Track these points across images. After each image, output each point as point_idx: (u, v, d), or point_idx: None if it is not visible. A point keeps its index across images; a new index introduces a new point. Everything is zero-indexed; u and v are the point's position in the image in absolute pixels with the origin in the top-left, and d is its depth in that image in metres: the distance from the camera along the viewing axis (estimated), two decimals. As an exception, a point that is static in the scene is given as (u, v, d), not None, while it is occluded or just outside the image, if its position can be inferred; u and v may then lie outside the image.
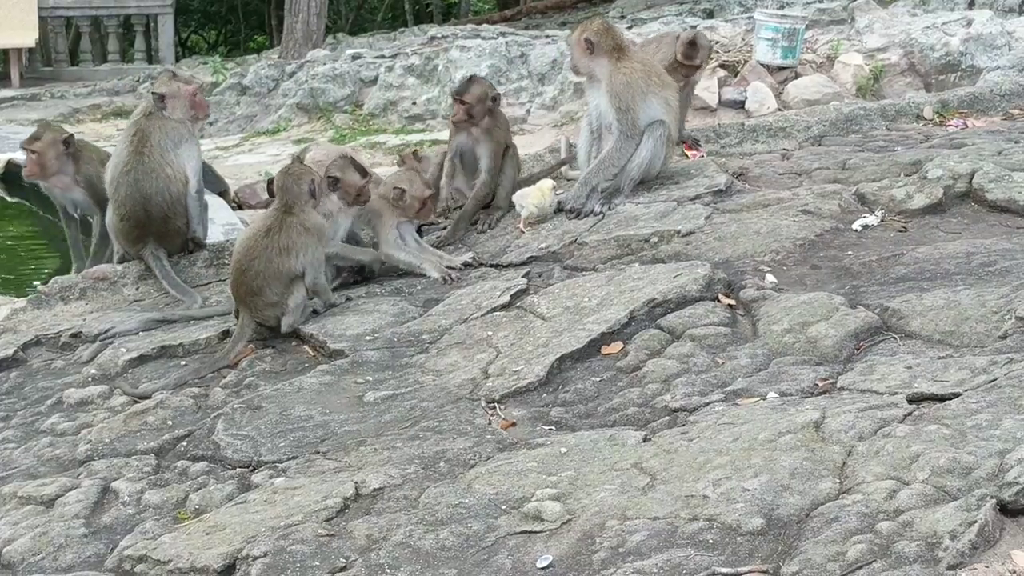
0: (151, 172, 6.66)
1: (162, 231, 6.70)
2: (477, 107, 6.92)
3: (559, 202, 6.65)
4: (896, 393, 4.00)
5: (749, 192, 6.67)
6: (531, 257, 6.16)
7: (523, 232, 6.55)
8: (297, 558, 3.55)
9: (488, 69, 15.10)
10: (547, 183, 6.83)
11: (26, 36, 19.91)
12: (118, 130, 16.85)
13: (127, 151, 6.66)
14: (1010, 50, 11.75)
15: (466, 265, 6.26)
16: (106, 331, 5.91)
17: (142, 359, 5.51)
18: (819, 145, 7.92)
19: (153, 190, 6.64)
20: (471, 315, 5.46)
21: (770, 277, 5.34)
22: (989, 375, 3.99)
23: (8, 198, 13.38)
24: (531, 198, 6.65)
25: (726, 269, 5.42)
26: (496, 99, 7.01)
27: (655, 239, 6.05)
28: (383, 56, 16.78)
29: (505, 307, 5.48)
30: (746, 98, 9.97)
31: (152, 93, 6.89)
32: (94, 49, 21.96)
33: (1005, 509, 3.13)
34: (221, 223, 7.94)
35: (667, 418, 4.25)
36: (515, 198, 6.75)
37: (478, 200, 6.91)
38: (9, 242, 11.91)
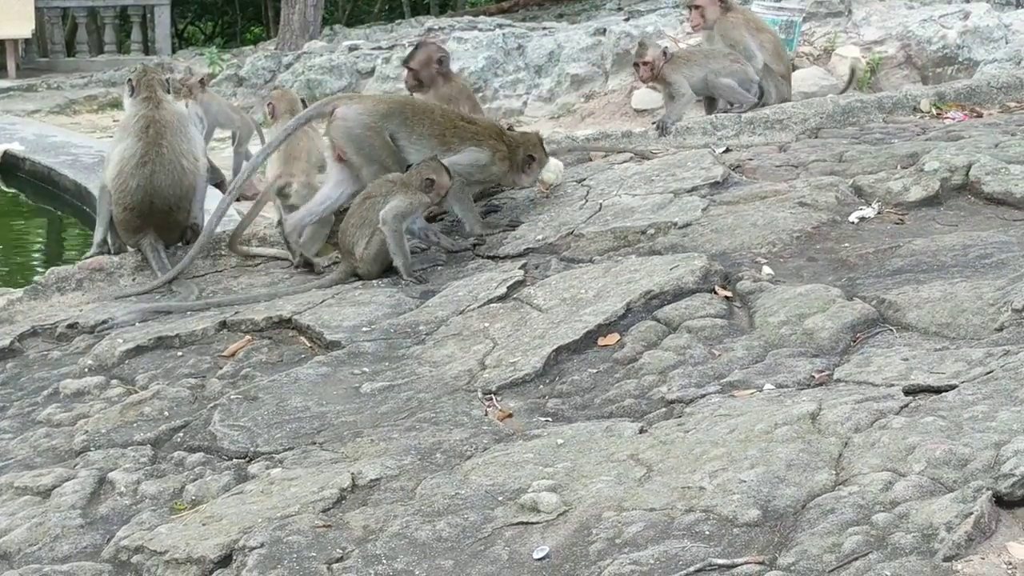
0: (168, 165, 6.72)
1: (163, 223, 6.73)
2: (424, 72, 7.34)
3: None
4: (892, 385, 4.00)
5: (746, 184, 6.67)
6: (528, 249, 6.16)
7: (546, 194, 6.94)
8: (294, 549, 3.55)
9: (485, 61, 15.09)
10: (558, 163, 7.18)
11: (22, 27, 19.89)
12: (114, 121, 16.85)
13: (142, 143, 6.70)
14: (1007, 43, 11.76)
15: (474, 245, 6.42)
16: (103, 322, 5.91)
17: (139, 350, 5.51)
18: (816, 137, 7.92)
19: (166, 184, 6.68)
20: (468, 306, 5.46)
21: (767, 269, 5.34)
22: (985, 367, 3.99)
23: (5, 189, 13.37)
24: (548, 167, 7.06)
25: (723, 261, 5.42)
26: (442, 61, 7.42)
27: (652, 231, 6.05)
28: (380, 48, 16.78)
29: (502, 299, 5.48)
30: (743, 90, 9.95)
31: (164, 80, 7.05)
32: (91, 40, 21.95)
33: (1001, 501, 3.14)
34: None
35: (663, 409, 4.25)
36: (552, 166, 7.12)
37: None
38: (5, 232, 11.90)
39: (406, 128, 6.47)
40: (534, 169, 6.70)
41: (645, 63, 8.39)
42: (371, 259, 6.15)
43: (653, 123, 8.32)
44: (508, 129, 7.02)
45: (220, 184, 9.14)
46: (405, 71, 7.50)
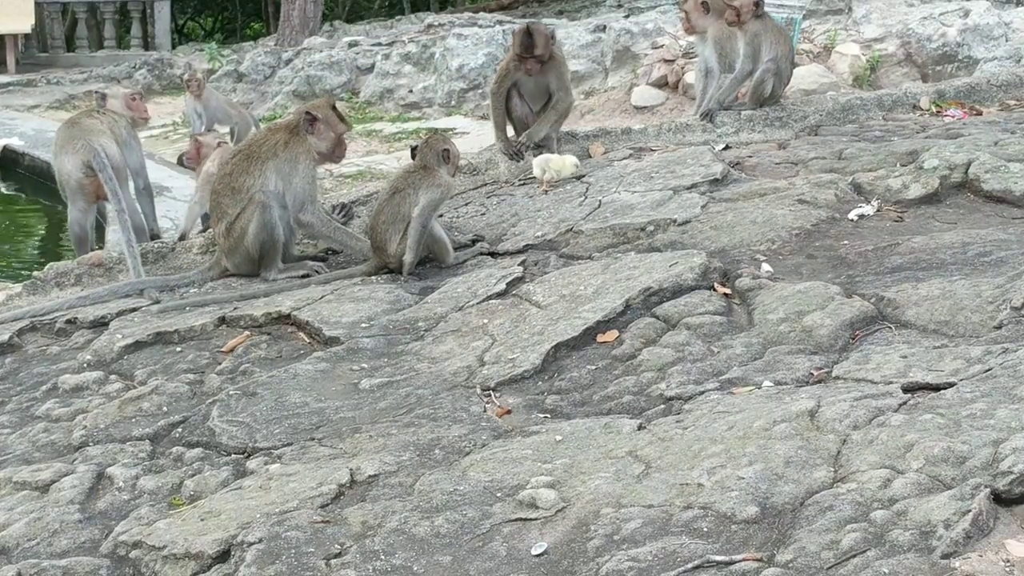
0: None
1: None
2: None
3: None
4: (891, 382, 4.00)
5: (745, 181, 6.68)
6: (527, 245, 6.16)
7: (545, 192, 6.99)
8: (292, 544, 3.55)
9: (485, 57, 15.09)
10: (571, 159, 7.31)
11: (22, 22, 19.90)
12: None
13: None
14: (1007, 41, 11.76)
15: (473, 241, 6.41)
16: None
17: (138, 345, 5.51)
18: (815, 135, 7.92)
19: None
20: (467, 303, 5.46)
21: (766, 266, 5.34)
22: (984, 365, 3.99)
23: (4, 184, 13.37)
24: (554, 163, 7.21)
25: (722, 258, 5.43)
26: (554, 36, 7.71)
27: (651, 228, 6.05)
28: (380, 44, 16.78)
29: (501, 295, 5.48)
30: (743, 87, 9.95)
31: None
32: (90, 35, 21.95)
33: (999, 498, 3.14)
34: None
35: (662, 406, 4.25)
36: (537, 161, 7.26)
37: None
38: (4, 227, 11.91)
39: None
40: (319, 128, 6.35)
41: (732, 6, 7.92)
42: (405, 254, 6.13)
43: (698, 114, 8.21)
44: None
45: None
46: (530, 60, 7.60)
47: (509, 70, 7.74)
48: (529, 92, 7.75)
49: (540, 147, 7.66)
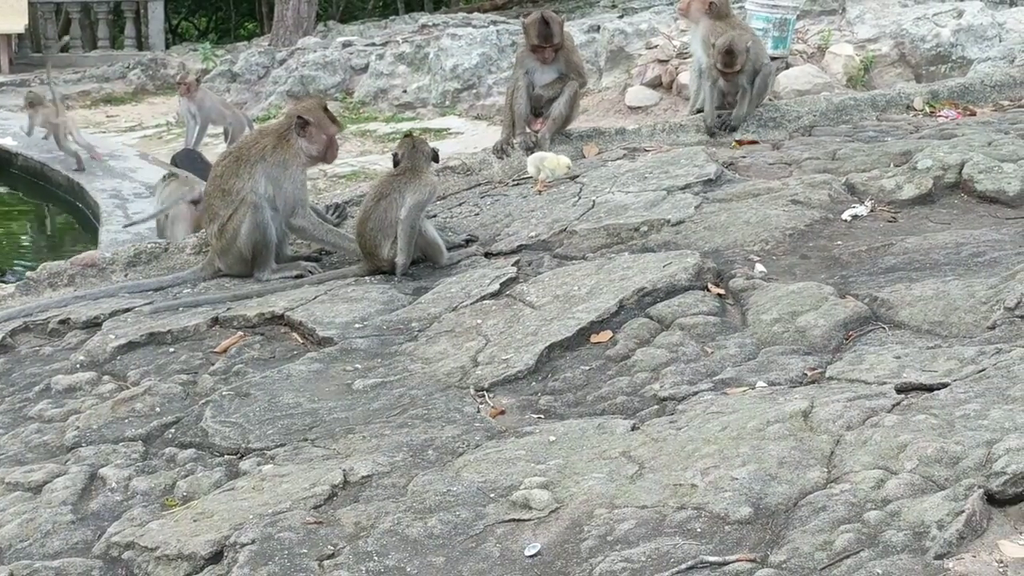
0: None
1: None
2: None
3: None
4: (884, 383, 4.00)
5: (739, 182, 6.67)
6: (521, 245, 6.15)
7: (540, 192, 7.00)
8: (285, 545, 3.54)
9: (479, 57, 15.09)
10: (564, 159, 7.34)
11: (16, 22, 19.87)
12: (108, 116, 16.84)
13: None
14: (1000, 41, 11.78)
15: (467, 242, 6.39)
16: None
17: (131, 346, 5.50)
18: (809, 135, 7.92)
19: None
20: (461, 303, 5.45)
21: (759, 267, 5.34)
22: (978, 365, 3.99)
23: (-2, 186, 13.35)
24: (548, 161, 7.26)
25: (716, 258, 5.43)
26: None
27: (645, 228, 6.05)
28: (374, 44, 16.78)
29: (495, 295, 5.47)
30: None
31: None
32: (84, 35, 21.91)
33: (992, 499, 3.14)
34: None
35: (656, 407, 4.25)
36: (532, 160, 7.33)
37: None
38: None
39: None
40: (310, 132, 6.34)
41: (735, 70, 7.86)
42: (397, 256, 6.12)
43: (724, 126, 7.97)
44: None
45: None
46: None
47: (523, 61, 7.92)
48: (541, 81, 7.80)
49: (564, 135, 7.90)
